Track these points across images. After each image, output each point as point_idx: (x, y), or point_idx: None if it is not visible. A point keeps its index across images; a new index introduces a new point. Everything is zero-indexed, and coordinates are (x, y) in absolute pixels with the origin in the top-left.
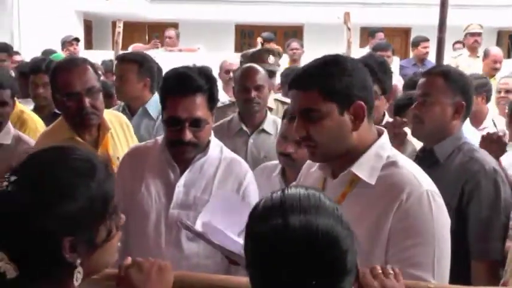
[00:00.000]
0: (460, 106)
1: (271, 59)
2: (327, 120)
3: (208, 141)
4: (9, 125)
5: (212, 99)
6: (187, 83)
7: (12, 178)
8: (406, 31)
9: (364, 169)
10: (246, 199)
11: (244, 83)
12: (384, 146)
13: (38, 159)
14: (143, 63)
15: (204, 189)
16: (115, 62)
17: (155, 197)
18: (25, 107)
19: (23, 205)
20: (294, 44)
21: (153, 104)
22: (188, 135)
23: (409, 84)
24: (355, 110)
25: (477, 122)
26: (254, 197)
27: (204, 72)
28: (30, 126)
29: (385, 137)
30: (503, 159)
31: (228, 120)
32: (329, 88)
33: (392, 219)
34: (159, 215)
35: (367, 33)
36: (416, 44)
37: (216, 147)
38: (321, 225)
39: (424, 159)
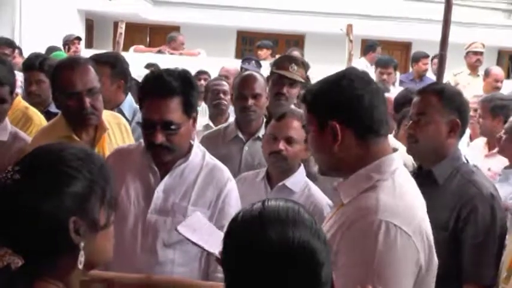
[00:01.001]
0: (455, 124)
1: (292, 67)
2: (310, 133)
3: (191, 147)
4: (7, 121)
5: (189, 103)
6: (161, 86)
7: (16, 168)
8: (407, 45)
9: (344, 188)
10: (226, 207)
11: (242, 91)
12: (380, 169)
13: (39, 150)
14: (116, 65)
15: (183, 196)
16: None
17: (134, 200)
18: (27, 103)
19: (29, 192)
20: (295, 53)
21: (127, 105)
22: (159, 138)
23: (399, 100)
24: (331, 128)
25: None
26: (235, 204)
27: (182, 76)
28: (35, 122)
29: (387, 159)
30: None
31: (224, 126)
32: (312, 102)
33: (339, 239)
34: (136, 219)
35: (366, 47)
36: (416, 59)
37: (199, 153)
38: (297, 238)
39: (423, 179)
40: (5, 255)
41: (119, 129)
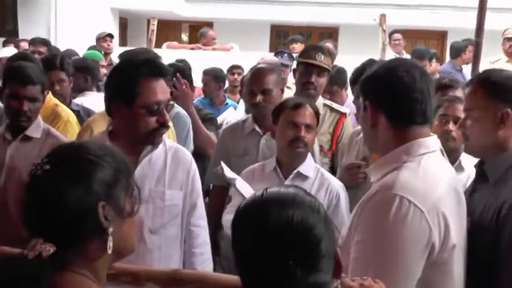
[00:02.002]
0: (505, 114)
1: (319, 56)
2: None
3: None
4: (39, 119)
5: None
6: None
7: (45, 160)
8: (443, 34)
9: (374, 169)
10: (196, 185)
11: (251, 87)
12: (409, 151)
13: (65, 144)
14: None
15: (157, 181)
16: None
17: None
18: (58, 101)
19: (58, 179)
20: (328, 45)
21: None
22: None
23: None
24: (367, 108)
25: None
26: (198, 182)
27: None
28: (63, 118)
29: (417, 142)
30: None
31: (243, 120)
32: (360, 83)
33: (358, 213)
34: None
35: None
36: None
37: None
38: (296, 215)
39: (477, 177)
40: (36, 245)
41: None
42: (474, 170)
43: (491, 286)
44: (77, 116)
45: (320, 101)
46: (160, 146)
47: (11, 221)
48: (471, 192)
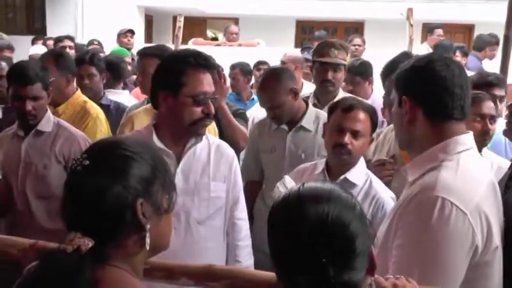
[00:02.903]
0: None
1: (332, 52)
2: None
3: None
4: (49, 113)
5: None
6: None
7: (85, 156)
8: (470, 27)
9: (411, 167)
10: (238, 179)
11: (260, 94)
12: (447, 149)
13: (103, 140)
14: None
15: (202, 173)
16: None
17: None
18: (86, 97)
19: (98, 175)
20: (357, 40)
21: None
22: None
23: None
24: (404, 104)
25: None
26: (240, 177)
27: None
28: (92, 115)
29: (455, 140)
30: None
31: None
32: (395, 79)
33: (398, 215)
34: None
35: (427, 29)
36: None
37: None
38: (331, 212)
39: None
40: (74, 239)
41: None
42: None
43: None
44: (107, 110)
45: (341, 94)
46: (204, 140)
47: (32, 214)
48: (505, 190)
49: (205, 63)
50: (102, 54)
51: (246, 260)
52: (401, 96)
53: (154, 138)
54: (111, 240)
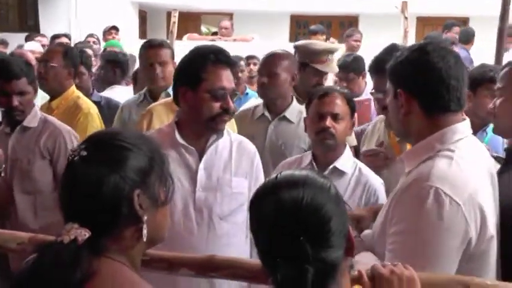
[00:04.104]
0: None
1: (330, 59)
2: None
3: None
4: (36, 109)
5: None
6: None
7: (82, 147)
8: (464, 21)
9: (408, 157)
10: (259, 175)
11: (260, 68)
12: (442, 139)
13: (100, 131)
14: (171, 49)
15: (224, 169)
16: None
17: (177, 183)
18: (80, 93)
19: (95, 165)
20: (357, 36)
21: None
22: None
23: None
24: (399, 96)
25: None
26: (262, 172)
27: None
28: (84, 110)
29: (451, 129)
30: None
31: (255, 105)
32: (389, 70)
33: (394, 204)
34: (185, 201)
35: (444, 25)
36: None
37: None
38: (306, 195)
39: (508, 157)
40: (71, 230)
41: None
42: None
43: None
44: (98, 107)
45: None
46: (226, 136)
47: (16, 210)
48: (498, 175)
49: (225, 59)
50: (97, 48)
51: None
52: (396, 89)
53: (177, 135)
54: (108, 232)
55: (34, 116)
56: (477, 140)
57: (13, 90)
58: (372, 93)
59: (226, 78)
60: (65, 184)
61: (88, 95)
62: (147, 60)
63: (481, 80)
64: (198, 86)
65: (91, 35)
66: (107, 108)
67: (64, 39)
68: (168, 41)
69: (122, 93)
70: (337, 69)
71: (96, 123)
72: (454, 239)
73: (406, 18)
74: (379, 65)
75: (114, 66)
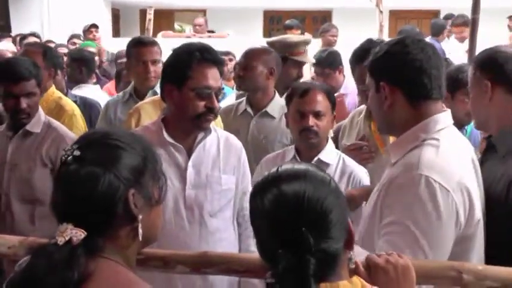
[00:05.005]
0: (485, 86)
1: (306, 50)
2: (370, 93)
3: None
4: (40, 113)
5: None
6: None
7: (75, 146)
8: (435, 14)
9: (393, 148)
10: (246, 170)
11: (239, 61)
12: (426, 128)
13: (93, 130)
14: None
15: (213, 166)
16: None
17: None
18: (60, 93)
19: (89, 165)
20: (334, 30)
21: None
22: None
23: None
24: (382, 89)
25: None
26: (248, 168)
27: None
28: (68, 112)
29: (434, 119)
30: None
31: (239, 101)
32: (370, 65)
33: (383, 195)
34: (176, 199)
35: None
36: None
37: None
38: (308, 188)
39: (488, 150)
40: (65, 230)
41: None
42: None
43: (503, 256)
44: None
45: None
46: (213, 133)
47: (13, 219)
48: (480, 164)
49: (211, 57)
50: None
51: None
52: (378, 82)
53: (164, 133)
54: (103, 232)
55: (38, 120)
56: (457, 130)
57: (21, 91)
58: (359, 87)
59: (212, 77)
60: (59, 184)
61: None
62: (139, 59)
63: (459, 84)
64: (184, 84)
65: (77, 36)
66: (83, 107)
67: (32, 39)
68: None
69: (90, 93)
70: (313, 60)
71: (80, 125)
72: (447, 222)
73: (381, 12)
74: (359, 56)
75: (81, 65)
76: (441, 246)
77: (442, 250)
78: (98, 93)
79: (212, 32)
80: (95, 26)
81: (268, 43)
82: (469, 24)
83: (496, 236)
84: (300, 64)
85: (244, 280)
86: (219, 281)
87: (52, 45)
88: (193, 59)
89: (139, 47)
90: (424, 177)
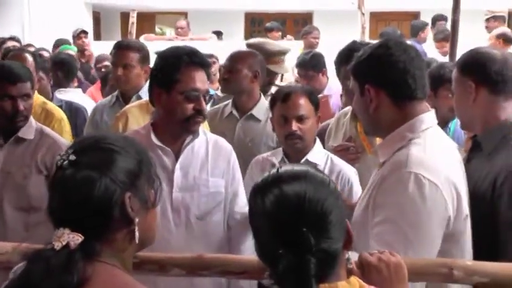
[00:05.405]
0: (472, 88)
1: (283, 60)
2: (354, 96)
3: None
4: (31, 119)
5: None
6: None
7: (70, 151)
8: (415, 15)
9: (381, 149)
10: (236, 173)
11: (224, 64)
12: (413, 128)
13: (87, 135)
14: (143, 50)
15: (201, 169)
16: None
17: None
18: (43, 98)
19: (85, 169)
20: (316, 33)
21: (146, 91)
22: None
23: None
24: (367, 92)
25: None
26: (239, 171)
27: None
28: (56, 117)
29: (419, 119)
30: None
31: (225, 104)
32: (354, 68)
33: (374, 195)
34: (163, 202)
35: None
36: (422, 28)
37: (200, 129)
38: (308, 188)
39: (473, 149)
40: (62, 235)
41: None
42: None
43: (489, 253)
44: None
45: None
46: (202, 136)
47: (6, 225)
48: (466, 162)
49: (199, 60)
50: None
51: (250, 254)
52: (363, 85)
53: (152, 137)
54: (100, 236)
55: (30, 126)
56: (441, 129)
57: (19, 93)
58: (344, 86)
59: (200, 80)
60: (55, 189)
61: (48, 99)
62: (112, 62)
63: (441, 80)
64: (172, 88)
65: (65, 41)
66: (69, 112)
67: (11, 43)
68: None
69: (73, 97)
70: (288, 70)
71: (67, 129)
72: (438, 218)
73: (363, 14)
74: (345, 57)
75: (57, 69)
76: (431, 240)
77: (431, 244)
78: (79, 96)
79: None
80: (84, 32)
81: (247, 45)
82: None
83: (481, 233)
84: (272, 73)
85: (233, 282)
86: (205, 281)
87: (32, 49)
88: (181, 63)
89: (115, 50)
90: (413, 174)
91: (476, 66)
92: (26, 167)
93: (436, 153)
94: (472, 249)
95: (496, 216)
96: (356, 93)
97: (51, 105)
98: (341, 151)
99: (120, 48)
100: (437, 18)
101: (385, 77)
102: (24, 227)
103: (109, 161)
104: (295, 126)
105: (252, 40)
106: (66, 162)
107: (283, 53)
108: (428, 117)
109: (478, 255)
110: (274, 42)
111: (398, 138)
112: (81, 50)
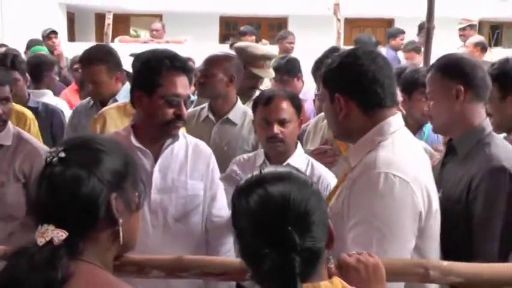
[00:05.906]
0: (458, 91)
1: (267, 65)
2: (324, 104)
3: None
4: (9, 124)
5: None
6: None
7: (60, 149)
8: (389, 22)
9: (352, 153)
10: (215, 176)
11: (200, 68)
12: (381, 131)
13: (77, 135)
14: (109, 60)
15: (180, 171)
16: None
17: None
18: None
19: (73, 166)
20: (291, 37)
21: (123, 93)
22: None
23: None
24: (337, 101)
25: None
26: (218, 174)
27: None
28: (28, 116)
29: (387, 122)
30: None
31: (201, 107)
32: (324, 77)
33: (347, 198)
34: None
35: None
36: (394, 35)
37: (179, 132)
38: (292, 189)
39: (448, 152)
40: (46, 231)
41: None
42: None
43: (464, 254)
44: (35, 113)
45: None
46: (181, 139)
47: None
48: (441, 166)
49: (180, 65)
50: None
51: (228, 257)
52: (333, 94)
53: (132, 138)
54: (84, 234)
55: (7, 131)
56: (408, 131)
57: None
58: (316, 95)
59: (181, 85)
60: (42, 185)
61: (24, 101)
62: (87, 78)
63: (415, 85)
64: (153, 91)
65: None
66: (45, 114)
67: None
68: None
69: (45, 99)
70: (273, 75)
71: (37, 130)
72: (410, 213)
73: (338, 20)
74: (323, 63)
75: (30, 71)
76: (406, 235)
77: (406, 238)
78: (51, 98)
79: None
80: (54, 32)
81: (232, 48)
82: (420, 51)
83: (456, 235)
84: (257, 77)
85: (212, 284)
86: (182, 283)
87: (3, 49)
88: (162, 67)
89: (81, 65)
90: (383, 174)
91: (462, 71)
92: (3, 174)
93: (405, 154)
94: (443, 251)
95: (470, 218)
96: (326, 101)
97: (21, 107)
98: (318, 154)
99: (84, 64)
100: (422, 26)
101: (355, 86)
102: (1, 236)
103: (97, 160)
104: (277, 129)
105: (238, 43)
106: (55, 159)
107: (267, 57)
108: (395, 120)
109: (453, 256)
110: (260, 46)
111: (368, 142)
112: (51, 51)
